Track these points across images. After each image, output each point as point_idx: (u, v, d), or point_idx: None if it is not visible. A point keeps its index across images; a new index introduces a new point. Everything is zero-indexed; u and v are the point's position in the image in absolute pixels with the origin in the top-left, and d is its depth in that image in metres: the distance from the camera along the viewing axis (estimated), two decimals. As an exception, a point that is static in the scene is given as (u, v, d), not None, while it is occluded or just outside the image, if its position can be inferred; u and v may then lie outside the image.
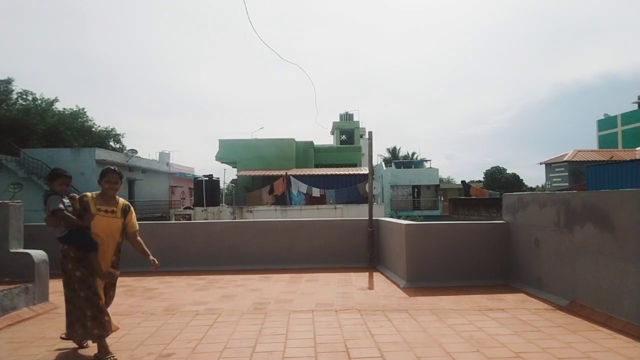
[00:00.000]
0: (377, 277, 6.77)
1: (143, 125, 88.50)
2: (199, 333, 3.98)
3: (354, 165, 31.37)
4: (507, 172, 57.65)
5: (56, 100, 32.91)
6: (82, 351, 3.56)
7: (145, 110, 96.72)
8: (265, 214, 21.01)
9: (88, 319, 3.31)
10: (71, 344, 3.71)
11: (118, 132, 37.35)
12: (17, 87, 31.10)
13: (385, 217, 10.20)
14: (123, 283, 6.37)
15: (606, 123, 40.09)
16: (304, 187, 23.59)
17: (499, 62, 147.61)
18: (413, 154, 58.15)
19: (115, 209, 3.55)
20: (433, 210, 37.25)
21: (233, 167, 32.03)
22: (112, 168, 3.62)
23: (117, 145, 36.61)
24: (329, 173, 26.55)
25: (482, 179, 58.89)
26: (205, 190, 24.21)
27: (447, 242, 6.12)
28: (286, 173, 24.62)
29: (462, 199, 34.52)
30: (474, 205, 30.90)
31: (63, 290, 3.48)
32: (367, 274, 7.03)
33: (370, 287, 6.08)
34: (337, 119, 41.73)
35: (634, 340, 3.58)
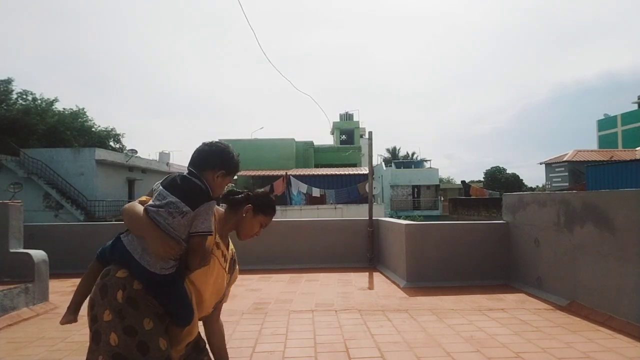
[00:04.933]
0: (377, 277, 6.77)
1: (143, 125, 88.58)
2: (199, 333, 3.98)
3: (354, 165, 31.39)
4: (507, 172, 57.60)
5: (56, 100, 32.86)
6: (83, 351, 3.55)
7: (144, 110, 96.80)
8: (265, 214, 20.95)
9: None
10: (72, 344, 3.70)
11: (118, 132, 37.29)
12: (17, 87, 31.10)
13: (385, 217, 10.20)
14: (123, 283, 6.36)
15: (606, 123, 40.06)
16: (304, 187, 23.59)
17: (499, 62, 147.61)
18: (413, 154, 58.14)
19: (226, 254, 1.90)
20: (433, 210, 37.24)
21: (233, 167, 31.91)
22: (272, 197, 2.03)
23: (117, 145, 36.57)
24: (329, 173, 26.57)
25: (482, 179, 58.83)
26: (205, 190, 24.15)
27: (447, 242, 6.11)
28: (286, 173, 24.63)
29: (462, 199, 34.51)
30: (474, 205, 30.89)
31: None
32: (367, 274, 7.03)
33: (370, 287, 6.08)
34: (337, 119, 41.74)
35: (634, 340, 3.58)
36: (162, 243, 1.53)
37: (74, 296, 1.74)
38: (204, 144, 1.73)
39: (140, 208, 1.60)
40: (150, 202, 1.61)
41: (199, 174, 1.65)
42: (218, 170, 1.67)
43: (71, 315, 1.74)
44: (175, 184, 1.62)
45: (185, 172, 1.70)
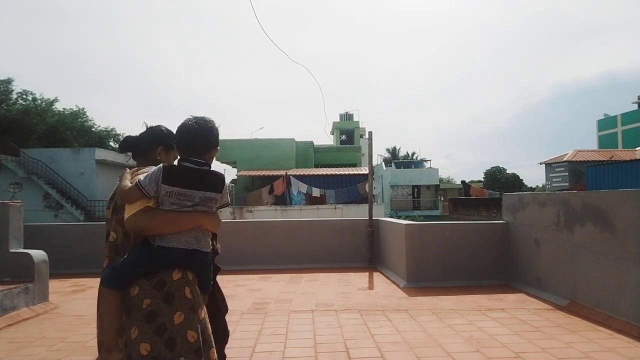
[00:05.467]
0: (377, 277, 6.77)
1: (143, 126, 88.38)
2: (199, 333, 3.97)
3: (354, 165, 31.36)
4: (507, 172, 57.58)
5: (56, 100, 32.84)
6: (83, 351, 3.56)
7: (145, 110, 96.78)
8: (265, 214, 21.00)
9: None
10: (72, 344, 3.70)
11: (118, 132, 37.33)
12: (17, 87, 31.07)
13: (385, 217, 10.20)
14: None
15: (606, 123, 40.02)
16: (304, 187, 23.58)
17: (499, 62, 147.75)
18: (413, 154, 58.12)
19: None
20: (433, 210, 37.24)
21: (233, 167, 32.02)
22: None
23: (117, 145, 36.54)
24: (329, 173, 26.54)
25: (482, 179, 58.80)
26: (205, 190, 24.10)
27: (447, 242, 6.11)
28: (286, 173, 24.61)
29: (462, 199, 34.50)
30: (474, 205, 30.89)
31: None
32: (367, 274, 7.03)
33: (370, 287, 6.08)
34: (337, 119, 41.70)
35: (634, 340, 3.58)
36: (218, 222, 1.77)
37: (109, 334, 1.62)
38: (190, 124, 1.71)
39: (166, 212, 1.63)
40: (174, 205, 1.64)
41: (201, 158, 1.70)
42: (214, 149, 1.76)
43: (119, 354, 1.61)
44: (194, 179, 1.67)
45: (178, 159, 1.74)
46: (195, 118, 1.73)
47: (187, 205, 1.65)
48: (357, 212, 19.95)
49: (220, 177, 1.75)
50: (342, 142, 38.70)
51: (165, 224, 1.62)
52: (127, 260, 1.63)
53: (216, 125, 1.77)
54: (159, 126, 1.98)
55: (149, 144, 1.91)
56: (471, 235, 6.21)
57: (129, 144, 1.94)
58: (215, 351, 1.68)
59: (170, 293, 1.59)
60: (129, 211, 1.64)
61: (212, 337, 1.70)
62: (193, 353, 1.55)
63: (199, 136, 1.69)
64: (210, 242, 1.79)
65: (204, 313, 1.70)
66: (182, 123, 1.73)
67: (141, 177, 1.66)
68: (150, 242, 1.63)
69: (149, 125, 1.98)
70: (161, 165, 1.68)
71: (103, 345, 1.63)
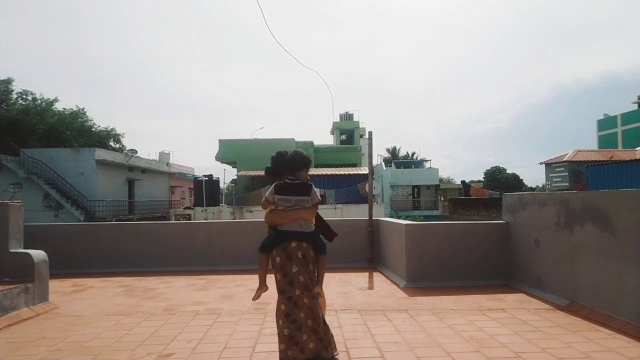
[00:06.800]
0: (377, 277, 6.76)
1: (143, 125, 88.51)
2: (199, 333, 3.98)
3: (354, 165, 31.37)
4: (507, 172, 57.54)
5: (56, 100, 32.81)
6: (83, 351, 3.56)
7: (145, 110, 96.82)
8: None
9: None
10: (72, 344, 3.71)
11: (118, 132, 37.25)
12: (17, 87, 31.04)
13: (385, 217, 10.20)
14: (123, 283, 6.38)
15: (606, 123, 40.04)
16: (304, 187, 23.52)
17: (499, 62, 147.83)
18: (413, 154, 58.16)
19: None
20: (433, 210, 37.22)
21: (233, 167, 32.02)
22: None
23: (117, 145, 36.52)
24: (329, 173, 26.54)
25: (482, 179, 58.78)
26: (205, 190, 24.18)
27: (447, 242, 6.11)
28: (286, 173, 24.56)
29: (462, 199, 34.53)
30: (474, 205, 30.92)
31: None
32: (367, 274, 7.03)
33: (370, 287, 6.08)
34: (337, 119, 41.68)
35: (634, 340, 3.58)
36: (311, 213, 3.05)
37: (261, 275, 3.20)
38: (294, 153, 3.06)
39: (279, 211, 3.00)
40: (282, 206, 2.98)
41: (294, 175, 3.02)
42: (305, 169, 3.06)
43: (265, 287, 3.21)
44: (289, 189, 2.98)
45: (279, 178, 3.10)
46: (294, 150, 3.08)
47: (289, 206, 2.95)
48: (357, 212, 19.95)
49: (307, 186, 3.00)
50: (342, 142, 38.69)
51: (279, 217, 2.98)
52: (268, 238, 3.04)
53: (305, 156, 3.06)
54: (280, 154, 3.21)
55: (282, 169, 3.10)
56: (471, 235, 6.20)
57: (271, 172, 3.23)
58: (321, 288, 3.09)
59: (290, 254, 2.96)
60: (264, 212, 3.06)
61: (316, 280, 3.03)
62: (303, 288, 2.92)
63: (293, 163, 3.03)
64: (314, 226, 3.10)
65: (311, 266, 2.99)
66: (286, 156, 3.08)
67: (267, 194, 2.98)
68: (277, 228, 3.00)
69: (274, 155, 3.28)
70: (274, 184, 3.00)
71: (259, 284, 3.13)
